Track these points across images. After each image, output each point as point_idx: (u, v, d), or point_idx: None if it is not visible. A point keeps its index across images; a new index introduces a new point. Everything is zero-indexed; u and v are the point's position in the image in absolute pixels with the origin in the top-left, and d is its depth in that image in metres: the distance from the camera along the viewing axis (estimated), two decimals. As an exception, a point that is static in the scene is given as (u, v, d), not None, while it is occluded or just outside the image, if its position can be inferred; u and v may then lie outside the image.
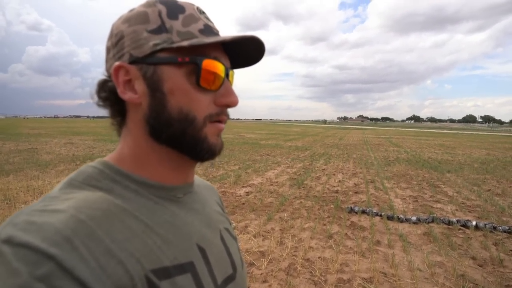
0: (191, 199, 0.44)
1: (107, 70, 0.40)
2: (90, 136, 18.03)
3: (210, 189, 0.56)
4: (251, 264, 2.84)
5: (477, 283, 2.60)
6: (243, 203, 4.76)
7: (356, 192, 5.65)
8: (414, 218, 4.11)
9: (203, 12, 0.41)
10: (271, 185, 6.10)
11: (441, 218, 4.09)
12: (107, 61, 0.40)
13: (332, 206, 4.73)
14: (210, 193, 0.55)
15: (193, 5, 0.40)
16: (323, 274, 2.71)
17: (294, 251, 3.14)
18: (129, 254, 0.31)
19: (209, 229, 0.44)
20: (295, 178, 6.76)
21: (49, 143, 13.27)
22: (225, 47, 0.41)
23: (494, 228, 3.79)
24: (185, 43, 0.36)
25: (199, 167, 7.58)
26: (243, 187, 5.87)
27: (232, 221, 3.93)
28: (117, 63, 0.37)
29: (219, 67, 0.38)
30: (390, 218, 4.17)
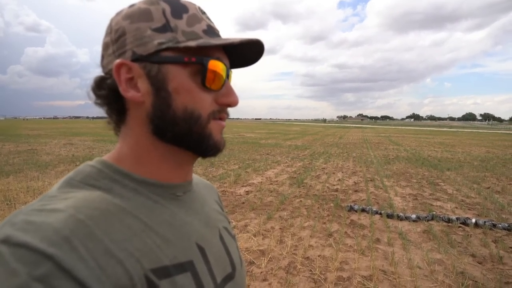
0: (190, 198, 0.44)
1: (105, 66, 0.39)
2: (89, 137, 18.00)
3: (210, 188, 0.56)
4: (251, 263, 2.85)
5: (477, 280, 2.61)
6: (243, 202, 4.76)
7: (355, 191, 5.66)
8: (413, 216, 4.11)
9: (204, 12, 0.41)
10: (271, 184, 6.11)
11: (441, 216, 4.09)
12: (104, 57, 0.39)
13: (331, 204, 4.74)
14: (209, 192, 0.55)
15: (195, 4, 0.40)
16: (323, 272, 2.71)
17: (294, 250, 3.15)
18: (129, 254, 0.31)
19: (208, 228, 0.44)
20: (295, 177, 6.76)
21: (48, 144, 13.25)
22: (225, 47, 0.41)
23: (494, 225, 3.80)
24: (193, 44, 0.36)
25: (199, 167, 7.58)
26: (243, 186, 5.87)
27: (232, 220, 3.93)
28: (119, 61, 0.36)
29: (222, 68, 0.38)
30: (389, 216, 4.17)
